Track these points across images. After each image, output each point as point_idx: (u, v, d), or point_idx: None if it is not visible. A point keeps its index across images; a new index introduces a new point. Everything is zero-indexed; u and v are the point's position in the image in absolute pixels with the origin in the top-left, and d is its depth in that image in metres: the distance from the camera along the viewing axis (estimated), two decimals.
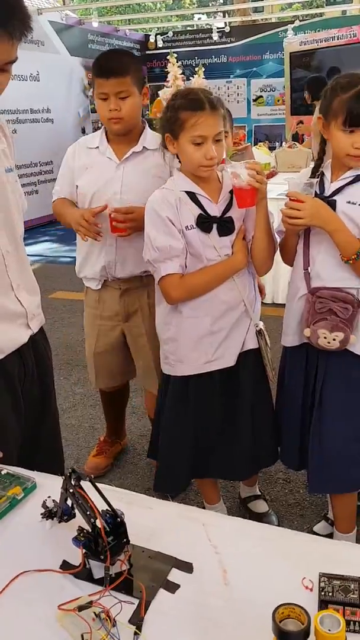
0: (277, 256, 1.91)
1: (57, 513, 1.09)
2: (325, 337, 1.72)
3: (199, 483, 2.25)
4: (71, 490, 1.01)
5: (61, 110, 9.03)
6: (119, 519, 0.98)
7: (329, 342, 1.72)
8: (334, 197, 1.71)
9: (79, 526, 1.00)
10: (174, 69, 4.35)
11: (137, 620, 0.89)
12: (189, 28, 14.06)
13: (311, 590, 0.93)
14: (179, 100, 1.73)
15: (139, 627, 0.87)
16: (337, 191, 1.71)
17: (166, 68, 4.45)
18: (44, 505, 1.10)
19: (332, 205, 1.69)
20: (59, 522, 1.09)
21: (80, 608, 0.88)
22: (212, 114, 1.69)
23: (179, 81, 4.33)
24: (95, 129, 9.70)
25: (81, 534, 0.98)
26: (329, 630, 0.77)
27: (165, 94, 4.07)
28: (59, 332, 4.30)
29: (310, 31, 9.53)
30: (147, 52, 11.43)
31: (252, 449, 1.98)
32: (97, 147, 2.18)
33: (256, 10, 15.36)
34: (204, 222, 1.77)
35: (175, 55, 4.57)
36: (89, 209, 2.11)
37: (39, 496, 1.16)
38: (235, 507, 2.38)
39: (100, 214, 2.05)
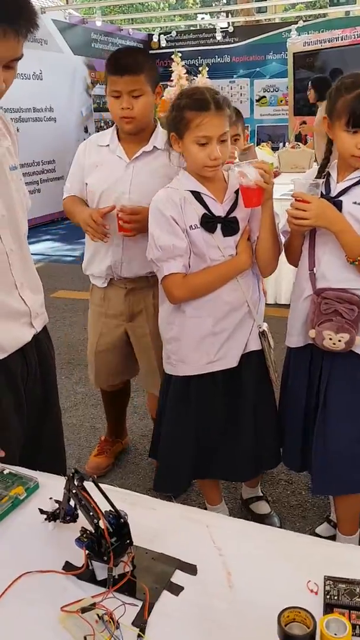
0: (280, 256, 1.90)
1: (59, 514, 1.08)
2: (330, 339, 1.71)
3: (201, 484, 2.24)
4: (74, 491, 1.00)
5: (64, 109, 9.03)
6: (122, 520, 0.97)
7: (334, 344, 1.72)
8: (340, 198, 1.70)
9: (82, 527, 0.99)
10: (178, 68, 4.35)
11: (140, 623, 0.88)
12: (192, 28, 14.06)
13: (316, 593, 0.93)
14: (184, 100, 1.72)
15: (142, 630, 0.87)
16: (343, 192, 1.71)
17: (169, 68, 4.46)
18: (42, 511, 1.09)
19: (338, 205, 1.69)
20: (62, 522, 1.08)
21: (83, 610, 0.87)
22: (217, 114, 1.67)
23: (183, 80, 4.33)
24: (97, 128, 9.71)
25: (84, 535, 0.97)
26: (335, 634, 0.77)
27: (169, 94, 4.07)
28: (60, 331, 4.29)
29: (314, 32, 9.56)
30: (150, 51, 11.42)
31: (255, 450, 1.97)
32: (108, 145, 2.16)
33: (260, 10, 15.39)
34: (208, 222, 1.76)
35: (180, 54, 4.58)
36: (97, 209, 2.10)
37: (42, 496, 1.15)
38: (237, 509, 2.37)
39: (109, 214, 2.04)
